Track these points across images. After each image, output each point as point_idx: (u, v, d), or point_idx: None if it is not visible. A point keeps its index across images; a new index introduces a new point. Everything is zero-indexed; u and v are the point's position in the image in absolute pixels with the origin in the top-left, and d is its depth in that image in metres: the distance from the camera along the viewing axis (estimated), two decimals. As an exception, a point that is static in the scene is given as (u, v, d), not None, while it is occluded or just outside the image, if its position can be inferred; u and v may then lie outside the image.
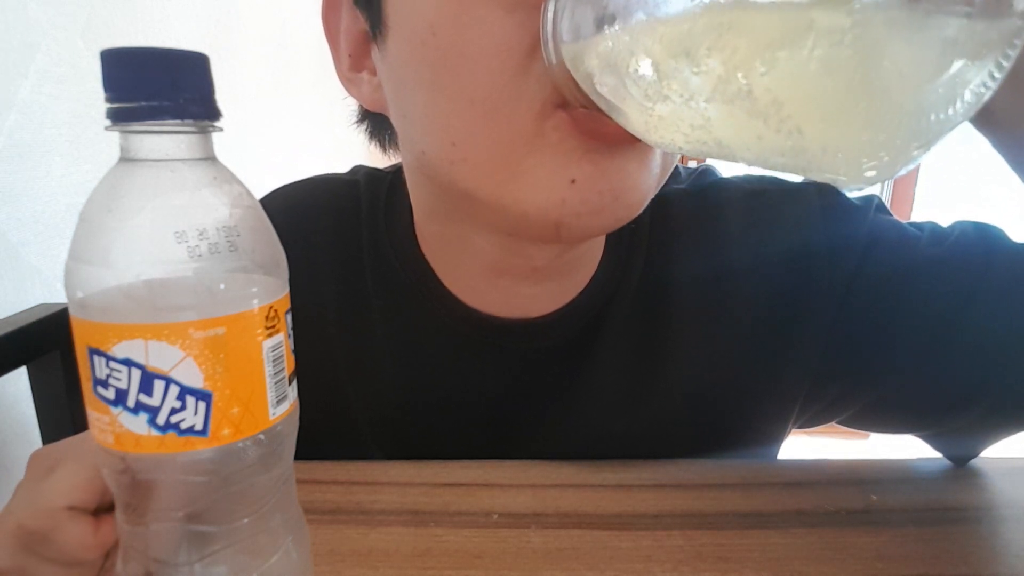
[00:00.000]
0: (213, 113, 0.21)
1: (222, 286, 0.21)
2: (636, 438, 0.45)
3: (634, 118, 0.24)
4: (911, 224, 0.44)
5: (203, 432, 0.20)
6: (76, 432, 0.51)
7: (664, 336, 0.44)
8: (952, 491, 0.41)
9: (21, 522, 0.27)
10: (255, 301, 0.21)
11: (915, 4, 0.16)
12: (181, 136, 0.20)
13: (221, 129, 0.22)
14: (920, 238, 0.42)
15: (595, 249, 0.44)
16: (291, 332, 0.23)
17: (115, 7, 0.77)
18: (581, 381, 0.45)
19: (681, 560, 0.34)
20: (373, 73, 0.37)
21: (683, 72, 0.19)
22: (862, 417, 0.46)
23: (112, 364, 0.20)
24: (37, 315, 0.54)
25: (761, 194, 0.45)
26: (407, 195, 0.44)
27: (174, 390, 0.20)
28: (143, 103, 0.19)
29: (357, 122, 0.47)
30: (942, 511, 0.39)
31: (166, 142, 0.20)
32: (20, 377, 0.54)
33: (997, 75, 0.18)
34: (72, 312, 0.20)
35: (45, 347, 0.54)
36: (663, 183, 0.35)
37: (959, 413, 0.42)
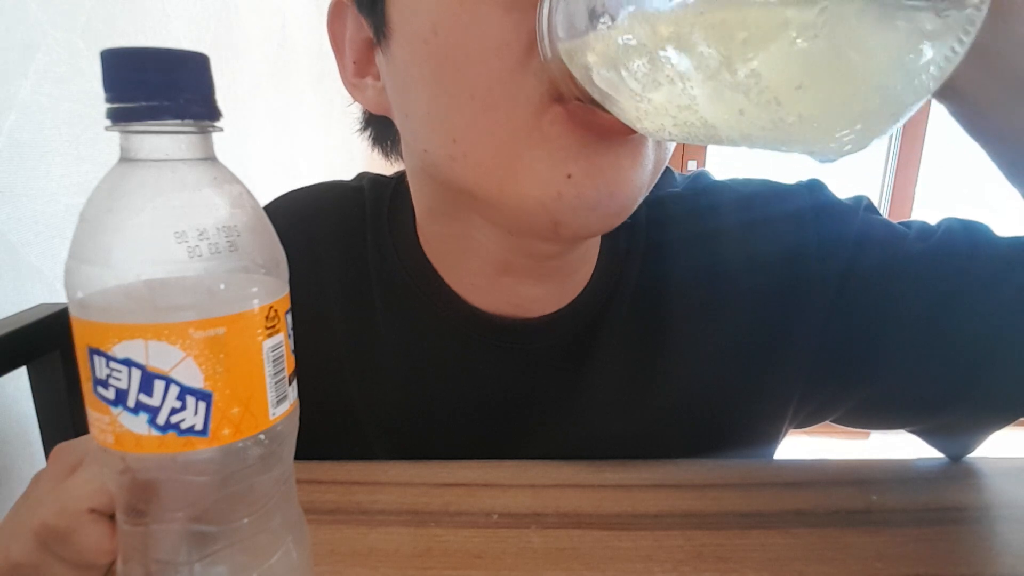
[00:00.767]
0: (213, 113, 0.21)
1: (222, 286, 0.21)
2: (635, 436, 0.46)
3: (626, 106, 0.25)
4: (900, 223, 0.45)
5: (203, 432, 0.20)
6: (76, 432, 0.51)
7: (662, 335, 0.45)
8: (952, 491, 0.41)
9: (45, 520, 0.27)
10: (255, 301, 0.21)
11: None
12: (181, 136, 0.20)
13: (221, 129, 0.22)
14: (908, 235, 0.43)
15: (594, 249, 0.44)
16: (291, 332, 0.23)
17: (115, 7, 0.77)
18: (581, 380, 0.45)
19: (681, 560, 0.34)
20: (377, 78, 0.38)
21: (671, 59, 0.21)
22: (856, 413, 0.47)
23: (112, 364, 0.20)
24: (37, 315, 0.54)
25: (754, 195, 0.46)
26: (410, 199, 0.45)
27: (174, 390, 0.20)
28: (143, 103, 0.19)
29: (360, 129, 0.48)
30: (942, 511, 0.39)
31: (166, 142, 0.20)
32: (20, 377, 0.54)
33: (958, 50, 0.19)
34: (72, 312, 0.20)
35: (45, 347, 0.54)
36: (655, 182, 0.36)
37: (951, 406, 0.42)
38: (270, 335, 0.21)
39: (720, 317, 0.44)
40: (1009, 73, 0.29)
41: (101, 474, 0.27)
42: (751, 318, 0.44)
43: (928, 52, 0.19)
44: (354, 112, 0.49)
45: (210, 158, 0.22)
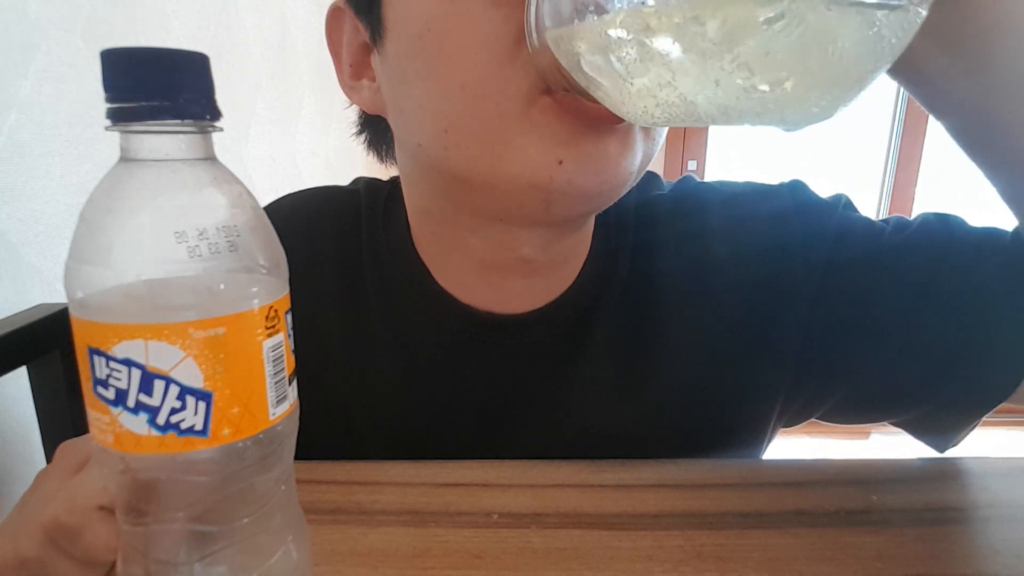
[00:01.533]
0: (213, 113, 0.21)
1: (222, 286, 0.21)
2: (627, 430, 0.46)
3: (611, 90, 0.26)
4: (878, 220, 0.46)
5: (203, 432, 0.20)
6: (76, 432, 0.51)
7: (652, 330, 0.46)
8: (952, 491, 0.41)
9: (55, 516, 0.27)
10: (255, 301, 0.21)
11: None
12: (181, 136, 0.20)
13: (221, 129, 0.22)
14: (885, 229, 0.45)
15: (582, 244, 0.45)
16: (291, 332, 0.23)
17: (115, 7, 0.77)
18: (573, 375, 0.46)
19: (681, 560, 0.34)
20: (372, 79, 0.40)
21: (653, 39, 0.22)
22: (842, 407, 0.47)
23: (112, 364, 0.20)
24: (37, 315, 0.54)
25: (738, 195, 0.48)
26: (404, 202, 0.46)
27: (174, 390, 0.20)
28: (143, 103, 0.19)
29: (357, 133, 0.50)
30: (942, 511, 0.39)
31: (166, 142, 0.20)
32: (20, 377, 0.54)
33: (916, 20, 0.22)
34: (72, 312, 0.20)
35: (45, 347, 0.54)
36: (643, 172, 0.37)
37: (934, 393, 0.43)
38: (270, 335, 0.21)
39: (708, 312, 0.45)
40: (962, 49, 0.31)
41: (102, 470, 0.27)
42: (737, 313, 0.45)
43: (889, 23, 0.21)
44: (353, 114, 0.50)
45: (210, 158, 0.22)
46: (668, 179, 0.51)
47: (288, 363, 0.23)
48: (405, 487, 0.41)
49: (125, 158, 0.21)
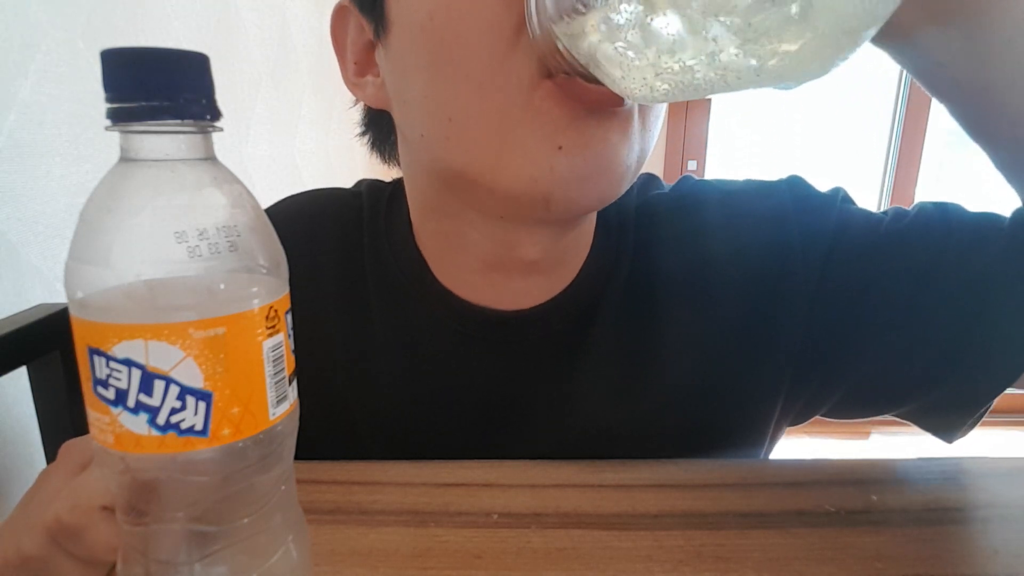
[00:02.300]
0: (213, 113, 0.21)
1: (222, 286, 0.21)
2: (628, 428, 0.46)
3: (612, 66, 0.27)
4: (876, 212, 0.47)
5: (203, 432, 0.20)
6: (76, 432, 0.51)
7: (653, 327, 0.46)
8: (952, 491, 0.41)
9: (58, 516, 0.27)
10: (255, 301, 0.21)
11: None
12: (181, 136, 0.20)
13: (221, 129, 0.22)
14: (884, 219, 0.45)
15: (583, 243, 0.45)
16: (291, 332, 0.23)
17: (115, 7, 0.77)
18: (574, 372, 0.46)
19: (681, 560, 0.34)
20: (376, 75, 0.40)
21: (655, 7, 0.23)
22: (847, 402, 0.47)
23: (112, 364, 0.20)
24: (37, 315, 0.54)
25: (736, 192, 0.48)
26: (406, 202, 0.46)
27: (174, 390, 0.20)
28: (143, 103, 0.19)
29: (360, 134, 0.50)
30: (942, 511, 0.39)
31: (166, 142, 0.20)
32: (20, 377, 0.54)
33: None
34: (72, 312, 0.20)
35: (45, 347, 0.54)
36: (640, 167, 0.38)
37: (939, 380, 0.43)
38: (270, 335, 0.21)
39: (709, 308, 0.45)
40: (955, 18, 0.31)
41: (102, 470, 0.27)
42: (738, 308, 0.45)
43: None
44: (354, 115, 0.50)
45: (210, 158, 0.22)
46: (668, 179, 0.52)
47: (288, 363, 0.23)
48: (405, 487, 0.41)
49: (125, 158, 0.20)
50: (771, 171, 0.51)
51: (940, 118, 2.17)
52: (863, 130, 2.32)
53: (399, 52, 0.37)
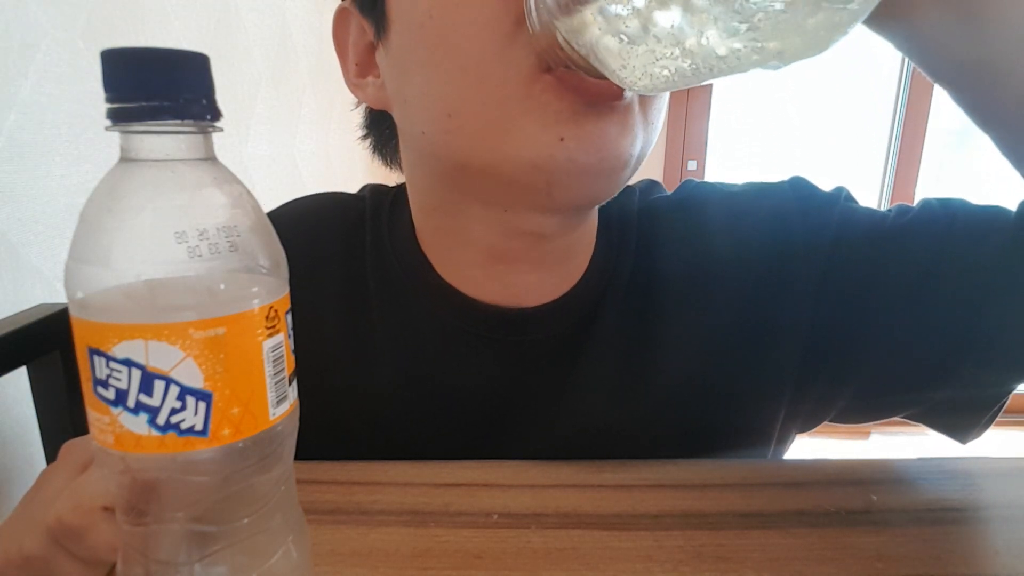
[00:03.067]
0: (213, 113, 0.21)
1: (222, 286, 0.21)
2: (630, 428, 0.46)
3: (612, 56, 0.27)
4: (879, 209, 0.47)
5: (203, 432, 0.20)
6: (76, 432, 0.51)
7: (656, 326, 0.46)
8: (952, 491, 0.41)
9: (60, 516, 0.27)
10: (255, 301, 0.21)
11: None
12: (181, 136, 0.20)
13: (221, 129, 0.22)
14: (887, 216, 0.45)
15: (587, 241, 0.45)
16: (291, 332, 0.23)
17: (115, 7, 0.77)
18: (576, 372, 0.46)
19: (681, 560, 0.34)
20: (377, 76, 0.41)
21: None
22: (856, 405, 0.47)
23: (112, 364, 0.20)
24: (37, 315, 0.54)
25: (739, 193, 0.48)
26: (408, 202, 0.46)
27: (174, 390, 0.20)
28: (143, 103, 0.19)
29: (362, 137, 0.51)
30: (942, 511, 0.39)
31: (166, 142, 0.20)
32: (20, 377, 0.54)
33: None
34: (72, 312, 0.20)
35: (45, 347, 0.54)
36: (643, 159, 0.38)
37: (949, 375, 0.43)
38: (270, 335, 0.21)
39: (711, 307, 0.45)
40: (962, 2, 0.30)
41: (102, 471, 0.27)
42: (741, 307, 0.45)
43: None
44: (354, 115, 0.50)
45: (210, 158, 0.22)
46: (668, 178, 0.52)
47: (288, 363, 0.23)
48: (405, 487, 0.41)
49: (125, 158, 0.20)
50: (771, 171, 0.51)
51: (940, 118, 2.17)
52: (863, 130, 2.32)
53: (399, 51, 0.37)
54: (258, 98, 1.19)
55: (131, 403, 0.20)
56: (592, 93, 0.33)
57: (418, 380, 0.47)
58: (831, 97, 2.31)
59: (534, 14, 0.30)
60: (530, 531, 0.37)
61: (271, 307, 0.22)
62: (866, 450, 2.11)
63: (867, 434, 2.20)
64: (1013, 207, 0.42)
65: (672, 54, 0.25)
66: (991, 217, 0.42)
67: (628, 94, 0.34)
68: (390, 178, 0.52)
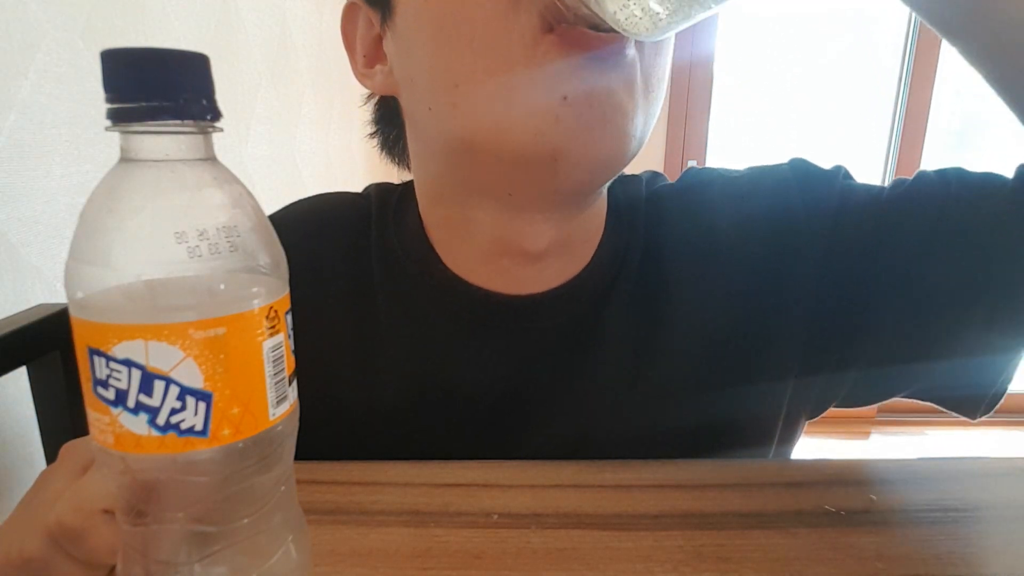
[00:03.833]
0: (213, 113, 0.21)
1: (222, 286, 0.21)
2: (642, 413, 0.46)
3: (608, 1, 0.28)
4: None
5: (203, 432, 0.20)
6: (76, 432, 0.51)
7: (666, 308, 0.46)
8: (952, 491, 0.41)
9: (60, 518, 0.27)
10: (255, 301, 0.21)
11: None
12: (181, 136, 0.20)
13: (221, 129, 0.22)
14: (884, 189, 0.46)
15: (594, 228, 0.46)
16: (291, 332, 0.23)
17: (115, 7, 0.77)
18: (589, 358, 0.46)
19: (681, 560, 0.34)
20: (385, 63, 0.42)
21: None
22: (867, 379, 0.47)
23: (112, 364, 0.20)
24: (37, 315, 0.54)
25: (741, 175, 0.49)
26: (415, 198, 0.47)
27: (174, 390, 0.20)
28: (143, 103, 0.19)
29: (371, 134, 0.52)
30: (942, 511, 0.39)
31: (166, 142, 0.20)
32: (20, 377, 0.54)
33: None
34: (72, 312, 0.20)
35: (45, 347, 0.54)
36: (646, 134, 0.39)
37: (952, 340, 0.43)
38: (270, 335, 0.21)
39: (719, 286, 0.46)
40: None
41: (102, 471, 0.27)
42: (748, 284, 0.46)
43: None
44: (354, 114, 0.50)
45: (210, 158, 0.22)
46: (669, 177, 0.52)
47: (288, 363, 0.23)
48: (405, 487, 0.41)
49: (125, 158, 0.20)
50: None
51: (940, 119, 2.17)
52: (863, 130, 2.32)
53: (404, 32, 0.38)
54: (258, 98, 1.19)
55: (131, 403, 0.20)
56: (593, 46, 0.34)
57: (427, 374, 0.47)
58: (831, 97, 2.30)
59: None
60: (530, 531, 0.37)
61: (271, 307, 0.22)
62: (866, 450, 2.11)
63: (867, 434, 2.20)
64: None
65: None
66: (987, 182, 0.43)
67: (630, 51, 0.35)
68: (391, 177, 0.52)
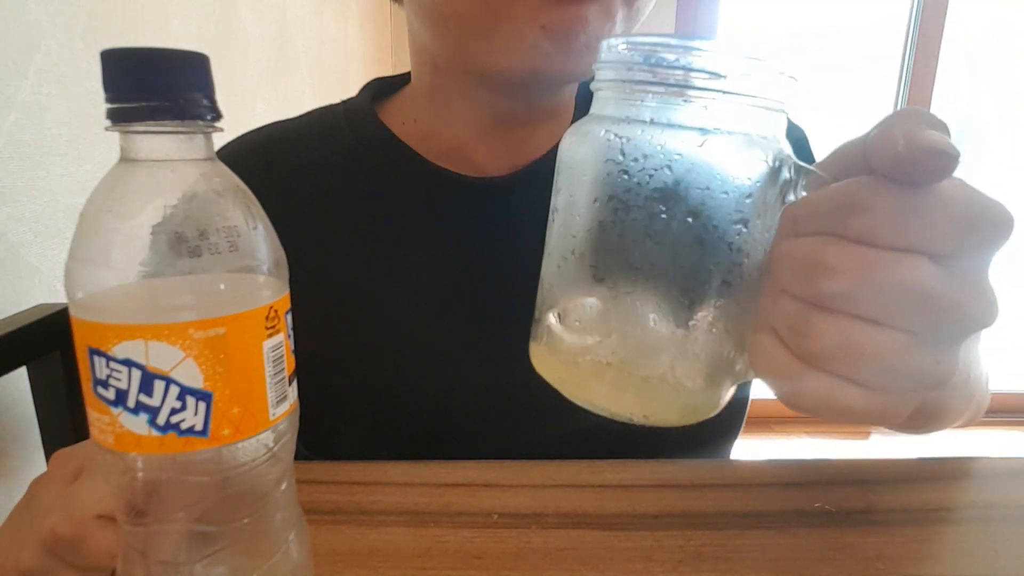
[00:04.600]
0: (213, 113, 0.21)
1: (222, 286, 0.21)
2: None
3: None
4: None
5: (203, 432, 0.20)
6: (76, 432, 0.51)
7: None
8: (952, 491, 0.41)
9: (53, 528, 0.27)
10: (255, 301, 0.21)
11: None
12: (181, 136, 0.20)
13: (221, 129, 0.22)
14: None
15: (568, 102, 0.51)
16: (291, 332, 0.23)
17: (115, 7, 0.77)
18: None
19: (681, 560, 0.34)
20: None
21: None
22: None
23: (112, 364, 0.20)
24: (37, 315, 0.54)
25: None
26: (403, 88, 0.53)
27: (174, 390, 0.20)
28: (143, 103, 0.19)
29: None
30: (942, 511, 0.39)
31: (166, 142, 0.20)
32: (20, 377, 0.54)
33: None
34: (72, 312, 0.20)
35: (45, 347, 0.54)
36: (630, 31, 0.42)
37: None
38: (270, 335, 0.21)
39: None
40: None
41: (106, 480, 0.27)
42: None
43: None
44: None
45: (210, 158, 0.22)
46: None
47: (288, 363, 0.23)
48: (405, 487, 0.41)
49: (125, 158, 0.20)
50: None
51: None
52: (863, 130, 2.33)
53: None
54: (258, 98, 1.19)
55: (131, 403, 0.20)
56: None
57: (387, 248, 0.48)
58: (831, 98, 2.31)
59: None
60: (530, 531, 0.37)
61: (271, 307, 0.22)
62: (866, 450, 2.11)
63: (867, 434, 2.20)
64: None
65: None
66: None
67: None
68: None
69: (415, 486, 0.41)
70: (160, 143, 0.20)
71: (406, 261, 0.48)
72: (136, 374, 0.19)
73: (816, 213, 0.24)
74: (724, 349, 0.28)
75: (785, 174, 0.26)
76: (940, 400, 0.39)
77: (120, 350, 0.19)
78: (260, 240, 0.22)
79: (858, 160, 0.23)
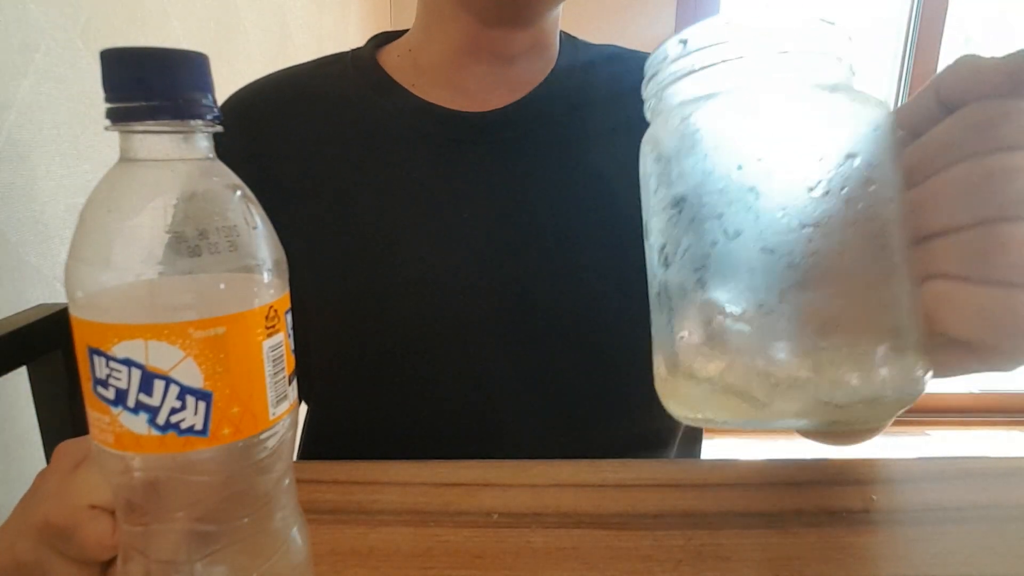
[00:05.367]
0: (213, 113, 0.21)
1: (222, 286, 0.21)
2: (561, 229, 0.50)
3: None
4: None
5: (203, 432, 0.20)
6: (76, 432, 0.51)
7: (587, 147, 0.51)
8: (952, 491, 0.41)
9: (46, 516, 0.27)
10: (255, 301, 0.21)
11: None
12: (181, 136, 0.20)
13: (221, 129, 0.22)
14: None
15: (551, 52, 0.53)
16: (291, 332, 0.23)
17: (115, 7, 0.77)
18: (517, 173, 0.50)
19: (681, 560, 0.34)
20: None
21: None
22: None
23: (112, 364, 0.20)
24: (37, 315, 0.54)
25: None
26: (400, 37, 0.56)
27: (174, 390, 0.20)
28: (143, 103, 0.19)
29: None
30: (942, 511, 0.39)
31: (166, 142, 0.20)
32: (20, 377, 0.54)
33: None
34: (72, 312, 0.20)
35: (45, 347, 0.54)
36: None
37: None
38: (270, 335, 0.21)
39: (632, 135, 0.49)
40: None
41: (102, 470, 0.27)
42: None
43: None
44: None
45: (210, 158, 0.22)
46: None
47: (288, 363, 0.23)
48: (405, 487, 0.41)
49: (125, 158, 0.21)
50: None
51: (940, 118, 2.17)
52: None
53: None
54: (258, 98, 1.19)
55: (131, 403, 0.20)
56: None
57: (363, 176, 0.50)
58: (831, 97, 2.31)
59: None
60: (530, 531, 0.37)
61: (271, 307, 0.22)
62: (866, 450, 2.10)
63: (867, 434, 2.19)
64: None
65: None
66: None
67: None
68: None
69: (415, 486, 0.41)
70: (160, 143, 0.20)
71: (408, 194, 0.49)
72: (136, 374, 0.19)
73: (950, 144, 0.24)
74: (915, 320, 0.25)
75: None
76: None
77: (120, 350, 0.19)
78: (260, 240, 0.22)
79: (931, 112, 0.24)
